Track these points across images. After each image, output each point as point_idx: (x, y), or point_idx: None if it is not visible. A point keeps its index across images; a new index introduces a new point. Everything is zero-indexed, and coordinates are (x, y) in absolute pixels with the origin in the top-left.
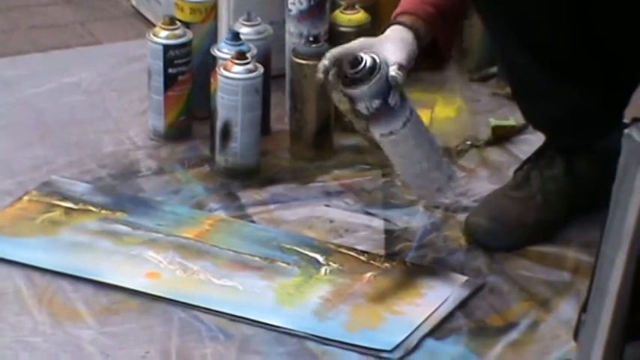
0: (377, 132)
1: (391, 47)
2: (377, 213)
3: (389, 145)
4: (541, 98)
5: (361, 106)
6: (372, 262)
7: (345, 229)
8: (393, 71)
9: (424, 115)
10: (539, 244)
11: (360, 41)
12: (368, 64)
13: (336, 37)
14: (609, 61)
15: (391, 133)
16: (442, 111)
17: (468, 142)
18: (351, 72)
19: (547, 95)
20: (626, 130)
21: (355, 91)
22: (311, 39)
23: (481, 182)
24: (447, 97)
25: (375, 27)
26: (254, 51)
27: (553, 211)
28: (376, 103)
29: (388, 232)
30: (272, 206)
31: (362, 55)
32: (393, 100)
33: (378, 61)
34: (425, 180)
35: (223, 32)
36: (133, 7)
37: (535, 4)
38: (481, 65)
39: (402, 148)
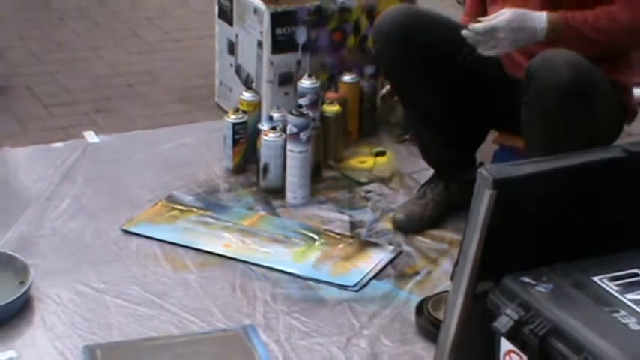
0: None
1: None
2: (345, 212)
3: None
4: (432, 150)
5: None
6: (343, 239)
7: (328, 220)
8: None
9: (370, 160)
10: (431, 229)
11: None
12: None
13: (323, 119)
14: (473, 129)
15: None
16: (380, 158)
17: (395, 175)
18: None
19: (436, 148)
20: (479, 169)
21: None
22: None
23: (400, 196)
24: (383, 151)
25: (344, 114)
26: (280, 126)
27: (439, 211)
28: None
29: (352, 223)
30: (290, 208)
31: None
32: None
33: None
34: None
35: (264, 116)
36: (216, 102)
37: (432, 101)
38: (402, 133)
39: None
